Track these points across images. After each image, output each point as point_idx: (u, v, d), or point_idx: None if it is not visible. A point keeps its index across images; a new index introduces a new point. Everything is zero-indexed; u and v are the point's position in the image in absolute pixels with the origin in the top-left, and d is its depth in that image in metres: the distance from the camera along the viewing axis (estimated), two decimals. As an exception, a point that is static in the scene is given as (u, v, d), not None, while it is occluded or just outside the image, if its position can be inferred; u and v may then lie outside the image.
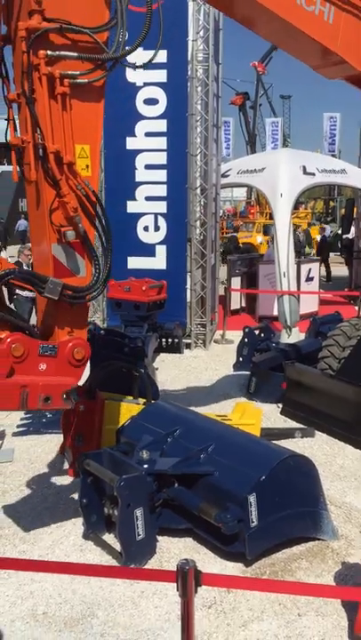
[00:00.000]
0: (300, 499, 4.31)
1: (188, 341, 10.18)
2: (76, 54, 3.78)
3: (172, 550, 4.26)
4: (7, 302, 4.03)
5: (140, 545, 4.07)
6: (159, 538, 4.31)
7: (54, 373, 3.91)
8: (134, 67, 4.64)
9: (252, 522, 4.01)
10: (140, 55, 10.24)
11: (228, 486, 4.16)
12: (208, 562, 4.13)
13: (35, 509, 4.86)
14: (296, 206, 28.56)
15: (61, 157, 3.81)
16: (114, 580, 3.89)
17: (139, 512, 4.04)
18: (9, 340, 3.75)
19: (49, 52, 3.69)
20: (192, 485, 4.33)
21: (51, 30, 3.67)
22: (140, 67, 4.20)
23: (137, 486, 4.08)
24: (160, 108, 9.73)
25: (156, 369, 8.65)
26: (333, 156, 29.98)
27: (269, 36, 5.13)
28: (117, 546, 4.14)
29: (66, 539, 4.42)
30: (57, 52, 3.72)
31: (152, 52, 10.81)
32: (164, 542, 4.32)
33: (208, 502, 4.17)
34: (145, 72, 9.45)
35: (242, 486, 4.08)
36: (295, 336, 9.99)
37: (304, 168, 11.72)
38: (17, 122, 3.95)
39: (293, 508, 4.25)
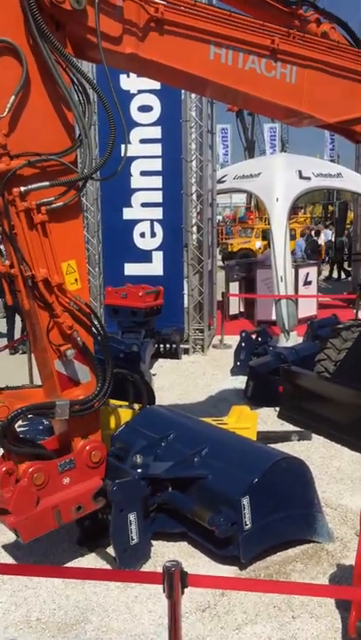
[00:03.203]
0: (294, 501, 4.30)
1: (187, 347, 10.18)
2: (48, 183, 3.78)
3: (167, 555, 4.24)
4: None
5: (134, 550, 4.06)
6: (154, 542, 4.31)
7: (78, 481, 4.07)
8: (102, 179, 4.53)
9: (246, 525, 4.00)
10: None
11: (222, 489, 4.15)
12: (203, 566, 4.12)
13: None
14: (295, 211, 28.70)
15: (50, 282, 3.84)
16: (108, 585, 3.88)
17: (132, 517, 4.04)
18: (30, 470, 3.85)
19: (22, 189, 3.70)
20: (186, 489, 4.32)
21: (20, 168, 3.67)
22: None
23: (130, 491, 4.07)
24: (154, 114, 9.77)
25: (154, 374, 8.65)
26: (332, 160, 30.10)
27: (232, 102, 5.08)
28: (112, 551, 4.13)
29: (60, 545, 4.41)
30: (29, 186, 3.72)
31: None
32: (158, 547, 4.31)
33: (202, 506, 4.17)
34: (139, 79, 9.48)
35: (235, 489, 4.07)
36: (293, 340, 9.99)
37: (300, 172, 11.72)
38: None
39: (287, 510, 4.24)
